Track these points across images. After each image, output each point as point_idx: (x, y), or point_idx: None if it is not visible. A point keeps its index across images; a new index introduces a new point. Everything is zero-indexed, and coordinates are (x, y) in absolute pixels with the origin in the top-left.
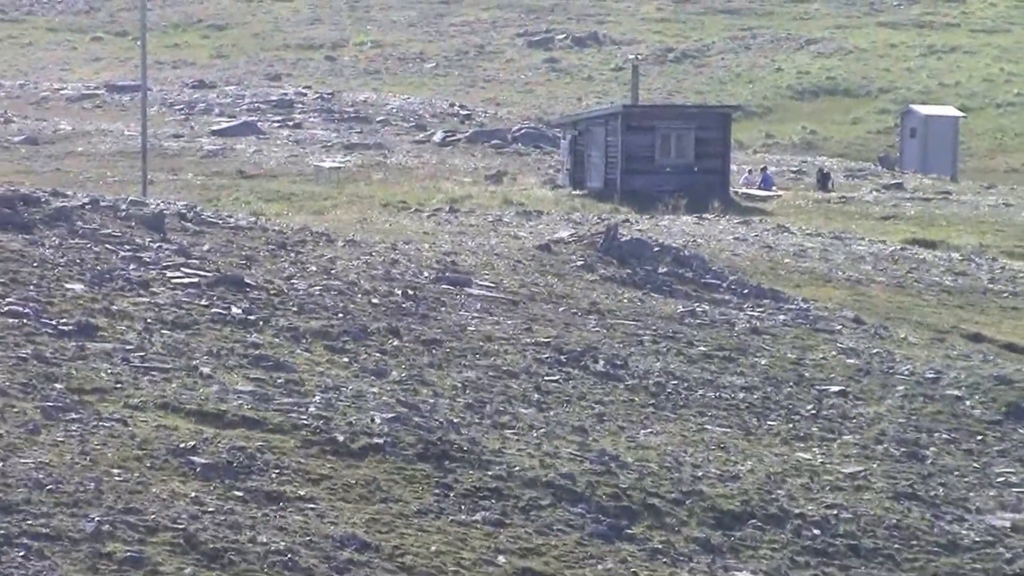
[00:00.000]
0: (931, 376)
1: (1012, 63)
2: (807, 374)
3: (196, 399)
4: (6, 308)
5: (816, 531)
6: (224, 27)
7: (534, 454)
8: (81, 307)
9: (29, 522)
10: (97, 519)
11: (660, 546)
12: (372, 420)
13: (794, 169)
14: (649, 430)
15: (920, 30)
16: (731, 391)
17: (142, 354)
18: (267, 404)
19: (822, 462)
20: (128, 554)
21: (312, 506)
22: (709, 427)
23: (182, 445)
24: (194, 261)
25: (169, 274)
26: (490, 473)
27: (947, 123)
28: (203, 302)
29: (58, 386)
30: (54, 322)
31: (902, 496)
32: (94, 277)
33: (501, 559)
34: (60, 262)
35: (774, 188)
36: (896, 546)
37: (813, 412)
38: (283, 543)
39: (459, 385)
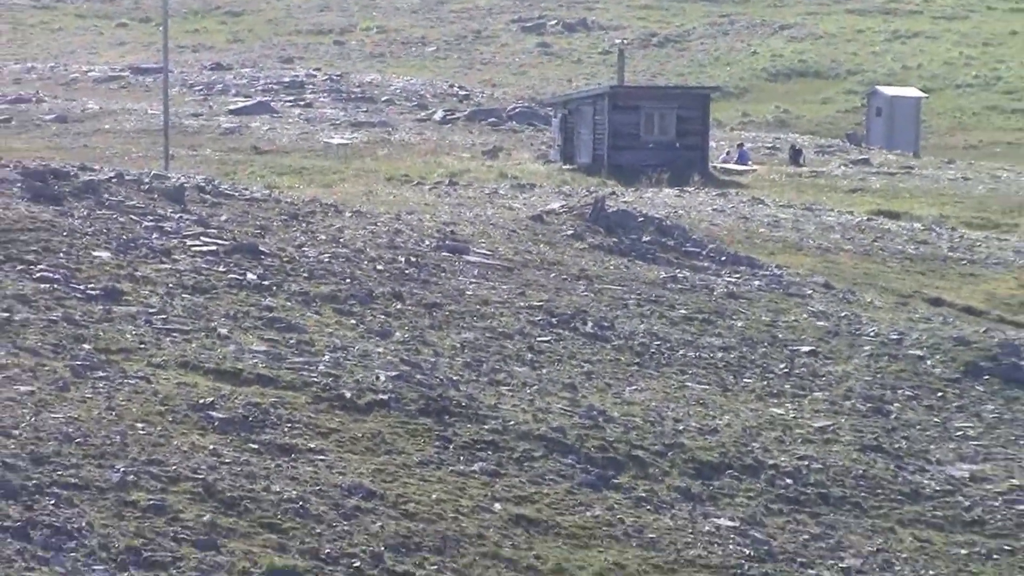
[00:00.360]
0: (895, 337)
1: (970, 47)
2: (780, 335)
3: (214, 358)
4: (38, 274)
5: (788, 480)
6: (240, 13)
7: (527, 409)
8: (107, 273)
9: (59, 472)
10: (122, 469)
11: (644, 494)
12: (377, 378)
13: (768, 146)
14: (634, 387)
15: (885, 16)
16: (710, 351)
17: (164, 316)
18: (280, 363)
19: (794, 417)
20: (151, 502)
21: (322, 457)
22: (689, 384)
23: (201, 401)
24: (212, 230)
25: (189, 242)
26: (486, 427)
27: (910, 103)
28: (220, 268)
29: (86, 346)
30: (82, 287)
31: (868, 448)
32: (119, 245)
33: (497, 506)
34: (88, 231)
35: (750, 163)
36: (862, 495)
37: (786, 370)
38: (295, 492)
39: (458, 345)
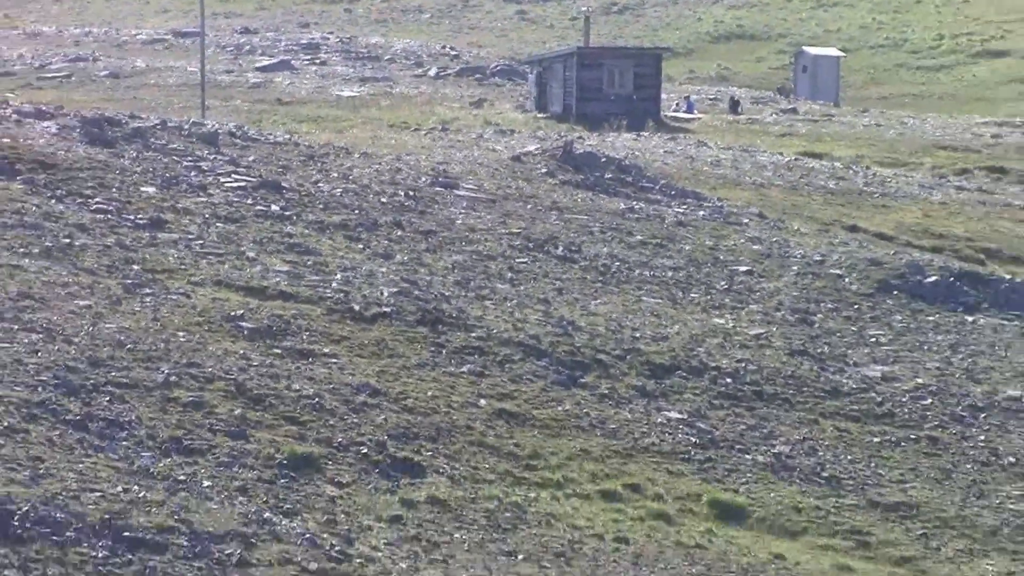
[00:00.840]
0: (818, 259)
1: (882, 14)
2: (721, 257)
3: (244, 277)
4: (94, 206)
5: (728, 380)
6: None
7: (508, 320)
8: (153, 205)
9: (112, 374)
10: (166, 371)
11: (606, 392)
12: (381, 293)
13: (711, 98)
14: (598, 301)
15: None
16: (662, 270)
17: (201, 242)
18: (299, 281)
19: (733, 326)
20: (191, 399)
21: (334, 361)
22: (645, 299)
23: (232, 313)
24: (242, 169)
25: (222, 179)
26: (473, 335)
27: (831, 61)
28: (249, 201)
29: (135, 267)
30: (132, 217)
31: (796, 353)
32: (163, 182)
33: (482, 402)
34: (136, 170)
35: (695, 112)
36: (791, 392)
37: (726, 287)
38: (312, 390)
39: (449, 266)
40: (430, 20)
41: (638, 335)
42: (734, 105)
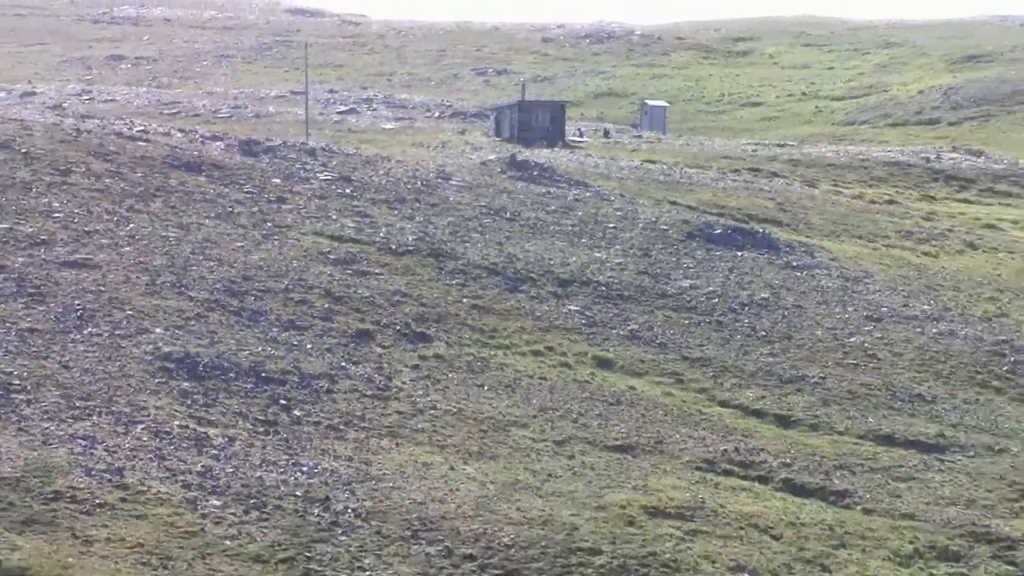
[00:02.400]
0: (653, 220)
1: (689, 81)
2: (599, 219)
3: (330, 230)
4: (245, 190)
5: (603, 288)
6: (341, 66)
7: (479, 254)
8: (278, 189)
9: (256, 284)
10: (286, 283)
11: (534, 295)
12: (407, 238)
13: (595, 129)
14: (529, 244)
15: (649, 68)
16: (565, 226)
17: (305, 210)
18: (361, 232)
19: (606, 257)
20: (300, 298)
21: (381, 276)
22: (556, 242)
23: (323, 251)
24: (328, 169)
25: (317, 174)
26: (460, 263)
27: (661, 108)
28: (333, 186)
29: (268, 224)
30: (266, 196)
31: (640, 272)
32: (284, 176)
33: (464, 300)
34: (269, 170)
35: (585, 137)
36: (638, 294)
37: (601, 235)
38: (368, 293)
39: (445, 223)
40: (435, 86)
41: (552, 262)
42: (606, 133)
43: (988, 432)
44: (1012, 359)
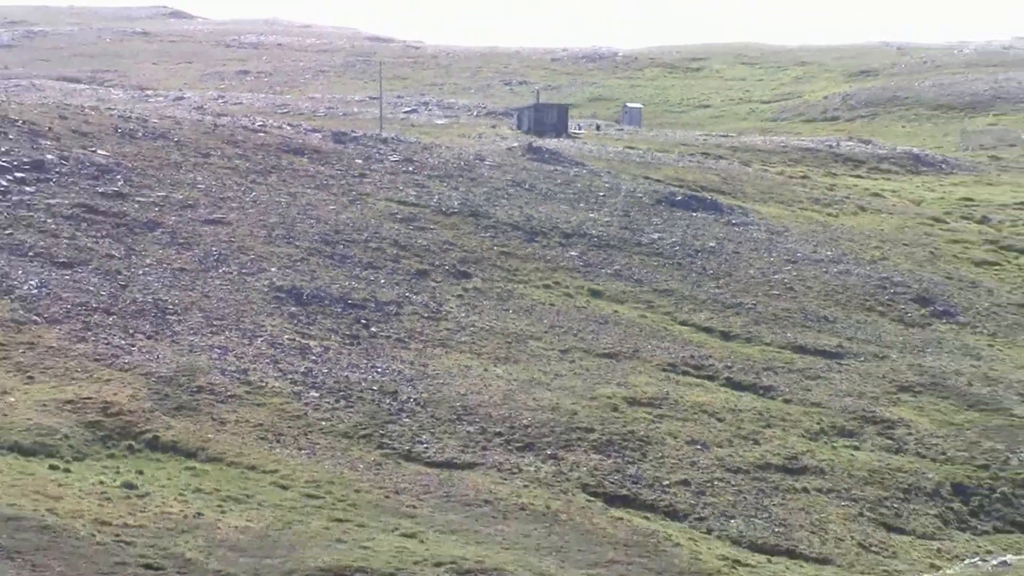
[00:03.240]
0: (632, 189)
1: (658, 90)
2: (592, 189)
3: (397, 196)
4: (335, 167)
5: (595, 239)
6: (405, 79)
7: (506, 215)
8: (359, 167)
9: (343, 235)
10: (366, 235)
11: (544, 243)
12: (453, 203)
13: (590, 124)
14: (542, 207)
15: (628, 80)
16: (567, 195)
17: (380, 182)
18: (419, 199)
19: (597, 218)
20: (375, 246)
21: (434, 231)
22: (561, 206)
23: (393, 212)
24: (396, 153)
25: (389, 157)
26: (491, 221)
27: (638, 109)
28: (399, 165)
29: (353, 192)
30: (351, 173)
31: (623, 228)
32: (364, 159)
33: (495, 248)
34: (354, 154)
35: (582, 130)
36: (621, 244)
37: (594, 200)
38: (425, 242)
39: (482, 192)
40: (473, 93)
41: (558, 220)
42: (597, 127)
43: (874, 344)
44: (891, 291)
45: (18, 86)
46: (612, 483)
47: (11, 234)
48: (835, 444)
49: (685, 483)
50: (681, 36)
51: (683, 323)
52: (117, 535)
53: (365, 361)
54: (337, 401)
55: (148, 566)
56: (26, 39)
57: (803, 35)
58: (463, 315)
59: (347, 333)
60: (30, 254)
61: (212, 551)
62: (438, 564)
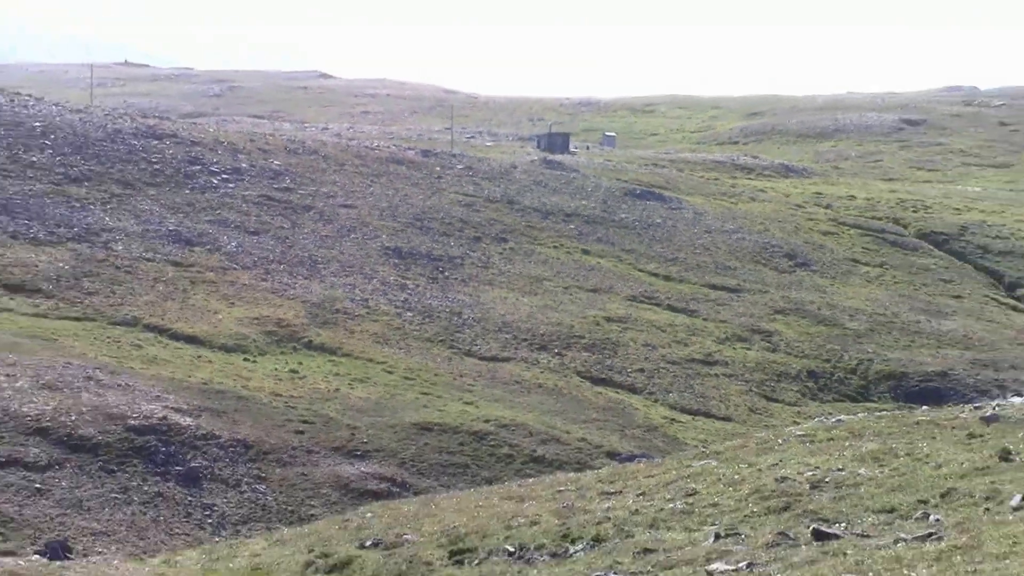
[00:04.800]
0: (609, 187)
1: (624, 123)
2: (584, 186)
3: (463, 191)
4: (422, 173)
5: (586, 218)
6: (467, 116)
7: (529, 201)
8: (438, 172)
9: (428, 213)
10: (442, 215)
11: (551, 217)
12: (495, 195)
13: (584, 146)
14: (552, 198)
15: (609, 118)
16: (568, 190)
17: (451, 181)
18: (476, 192)
19: (587, 204)
20: (439, 216)
21: (485, 212)
22: (564, 197)
23: (460, 201)
24: (462, 163)
25: (456, 165)
26: (518, 207)
27: (613, 137)
28: (463, 171)
29: (433, 188)
30: (433, 175)
31: (602, 211)
32: (441, 167)
33: (522, 223)
34: (433, 163)
35: (577, 150)
36: (601, 221)
37: (584, 194)
38: (479, 220)
39: (512, 189)
40: (510, 126)
41: (562, 206)
42: (587, 148)
43: (759, 284)
44: (770, 251)
45: (224, 121)
46: (595, 370)
47: (219, 213)
48: (735, 346)
49: (641, 370)
50: (642, 88)
51: (640, 270)
52: (285, 401)
53: (441, 293)
54: (424, 319)
55: (305, 421)
56: (229, 91)
57: (719, 86)
58: (503, 265)
59: (430, 276)
60: (232, 225)
61: (345, 412)
62: (486, 421)
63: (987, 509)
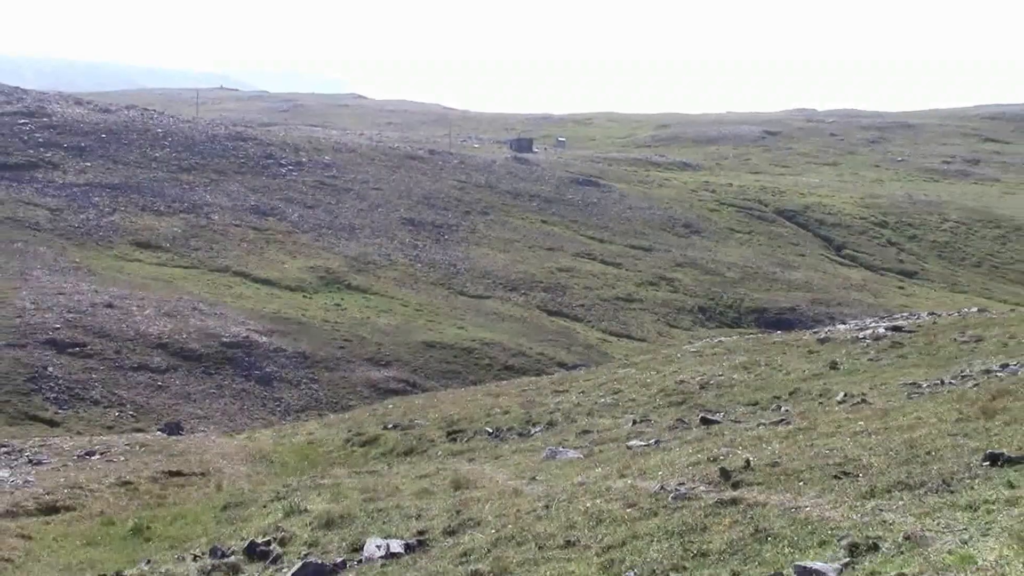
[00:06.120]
0: (562, 176)
1: (576, 133)
2: (543, 175)
3: (456, 178)
4: (428, 166)
5: (544, 197)
6: (462, 126)
7: (509, 186)
8: (439, 165)
9: (437, 195)
10: (446, 199)
11: (524, 200)
12: (481, 180)
13: (543, 147)
14: (519, 183)
15: (562, 127)
16: (531, 177)
17: (449, 172)
18: (467, 180)
19: (545, 188)
20: (466, 195)
21: (473, 194)
22: (529, 183)
23: (456, 186)
24: (456, 159)
25: (452, 160)
26: (499, 190)
27: (564, 140)
28: (459, 165)
29: (437, 176)
30: (435, 168)
31: (557, 193)
32: (442, 162)
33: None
34: (436, 159)
35: (538, 150)
36: (556, 200)
37: (543, 181)
38: (476, 197)
39: (495, 177)
40: (492, 133)
41: (529, 189)
42: (545, 149)
43: (664, 245)
44: (671, 222)
45: (289, 129)
46: (550, 305)
47: (286, 193)
48: (648, 289)
49: (582, 305)
50: (584, 107)
51: (582, 235)
52: (332, 325)
53: (442, 251)
54: (429, 268)
55: (346, 339)
56: (293, 108)
57: (639, 106)
58: (485, 231)
59: (434, 239)
60: (295, 202)
61: (374, 333)
62: (473, 340)
63: (820, 403)
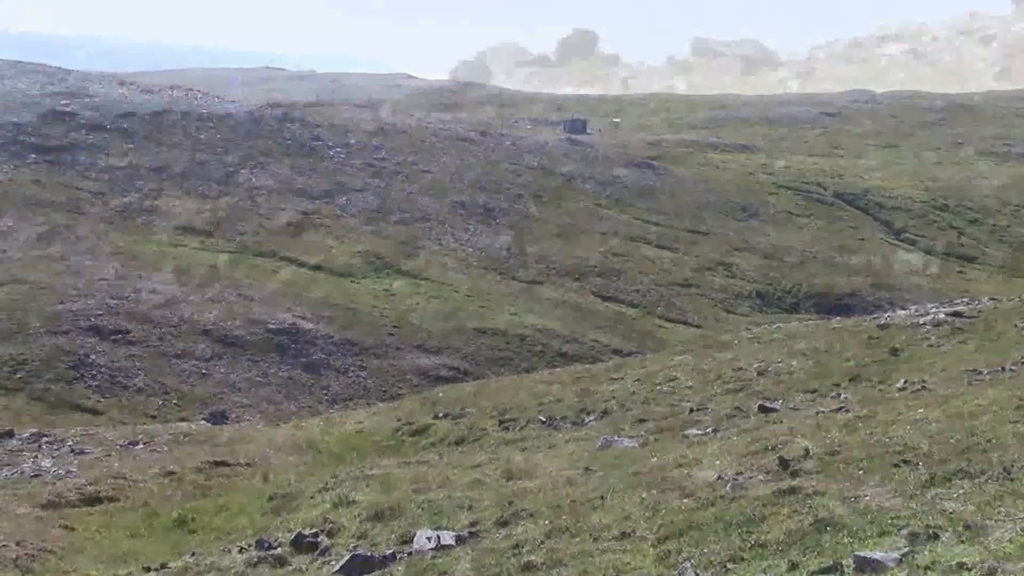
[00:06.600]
0: (609, 155)
1: (621, 116)
2: (597, 155)
3: (511, 160)
4: (479, 148)
5: (586, 179)
6: (519, 107)
7: (562, 168)
8: (492, 147)
9: (477, 184)
10: (497, 183)
11: (555, 180)
12: (534, 163)
13: (598, 128)
14: (571, 166)
15: (616, 108)
16: (586, 157)
17: (502, 154)
18: (518, 162)
19: (591, 171)
20: (487, 185)
21: (525, 177)
22: (579, 163)
23: (508, 170)
24: (509, 140)
25: (505, 142)
26: (546, 171)
27: (619, 123)
28: (511, 147)
29: (493, 153)
30: (488, 149)
31: (563, 172)
32: (495, 143)
33: (550, 183)
34: (489, 141)
35: (592, 132)
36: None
37: (595, 159)
38: (505, 188)
39: (555, 154)
40: (545, 116)
41: (579, 171)
42: (599, 131)
43: (722, 229)
44: (730, 206)
45: (336, 110)
46: (605, 291)
47: (334, 176)
48: (704, 274)
49: (637, 291)
50: (641, 88)
51: (637, 219)
52: (381, 312)
53: (493, 235)
54: (481, 253)
55: (395, 325)
56: (340, 88)
57: (696, 88)
58: (538, 215)
59: (485, 223)
60: (343, 185)
61: (424, 319)
62: (526, 327)
63: (880, 390)
